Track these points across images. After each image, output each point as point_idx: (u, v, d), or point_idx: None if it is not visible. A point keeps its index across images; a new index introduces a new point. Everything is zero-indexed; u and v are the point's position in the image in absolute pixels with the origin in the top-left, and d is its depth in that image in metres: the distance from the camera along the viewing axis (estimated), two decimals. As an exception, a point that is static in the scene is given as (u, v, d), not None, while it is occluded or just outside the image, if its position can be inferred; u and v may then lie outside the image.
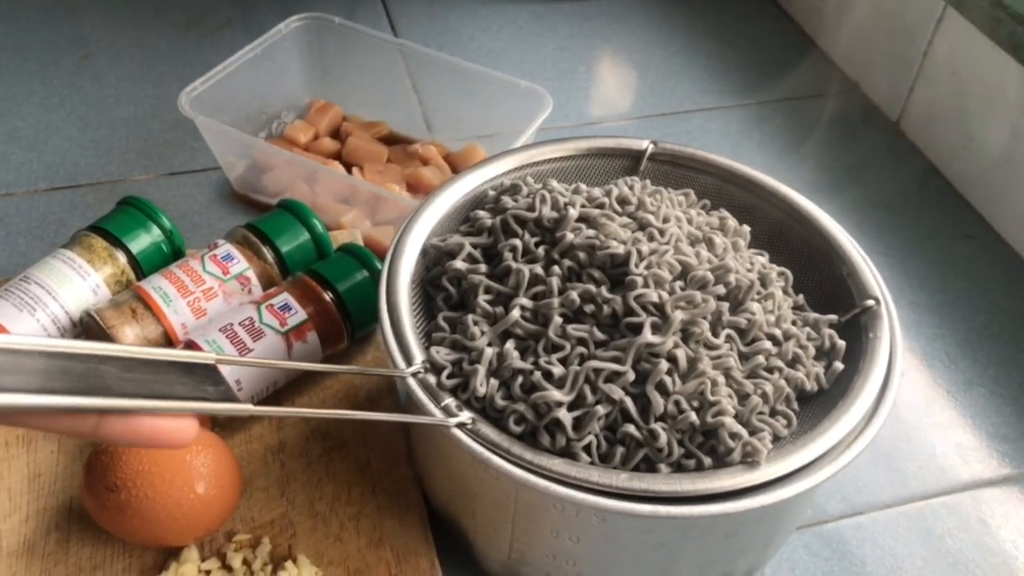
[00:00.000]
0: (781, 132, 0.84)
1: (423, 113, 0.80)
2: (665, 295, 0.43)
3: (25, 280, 0.54)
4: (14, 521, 0.49)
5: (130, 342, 0.52)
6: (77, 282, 0.55)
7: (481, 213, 0.49)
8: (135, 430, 0.29)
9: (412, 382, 0.42)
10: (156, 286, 0.54)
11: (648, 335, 0.41)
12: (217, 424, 0.53)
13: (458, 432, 0.40)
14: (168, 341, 0.54)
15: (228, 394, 0.31)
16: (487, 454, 0.40)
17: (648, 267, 0.44)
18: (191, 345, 0.51)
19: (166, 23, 0.92)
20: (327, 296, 0.55)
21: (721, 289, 0.44)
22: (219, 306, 0.55)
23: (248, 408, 0.32)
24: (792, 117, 0.86)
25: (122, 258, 0.57)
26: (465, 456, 0.41)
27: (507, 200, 0.49)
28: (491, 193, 0.51)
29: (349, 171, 0.72)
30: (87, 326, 0.54)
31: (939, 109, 0.79)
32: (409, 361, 0.43)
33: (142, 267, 0.57)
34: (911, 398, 0.62)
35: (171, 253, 0.59)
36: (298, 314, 0.54)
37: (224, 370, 0.50)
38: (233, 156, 0.71)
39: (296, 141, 0.75)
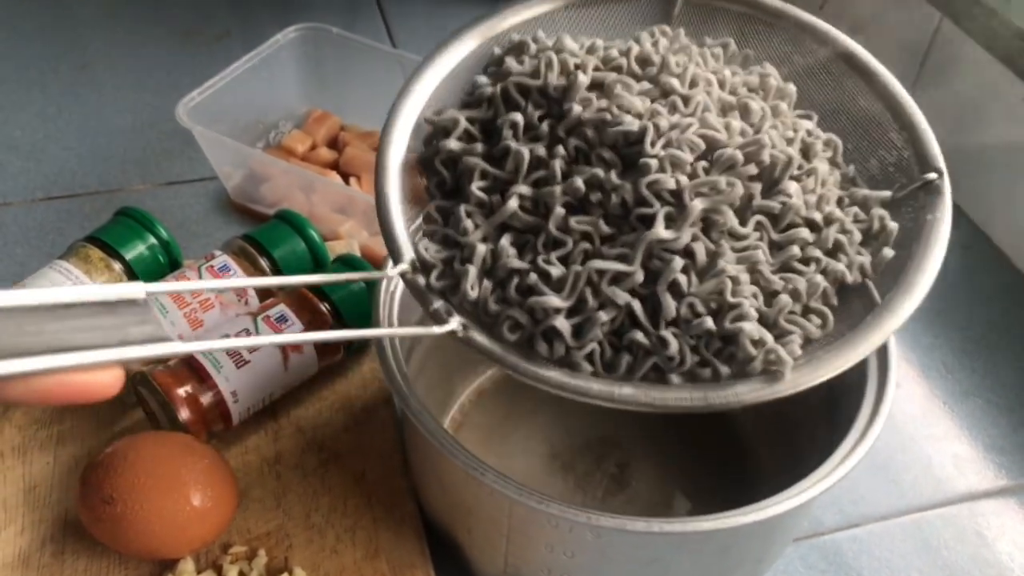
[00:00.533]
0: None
1: (421, 123, 0.80)
2: (684, 180, 0.37)
3: (21, 291, 0.54)
4: (9, 533, 0.49)
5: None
6: (74, 293, 0.55)
7: (481, 80, 0.42)
8: (38, 388, 0.26)
9: (399, 283, 0.39)
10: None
11: (660, 230, 0.36)
12: (213, 436, 0.53)
13: (451, 448, 0.40)
14: (164, 352, 0.53)
15: (155, 334, 0.28)
16: (481, 470, 0.39)
17: (666, 145, 0.37)
18: (187, 357, 0.51)
19: (165, 33, 0.93)
20: (323, 307, 0.55)
21: (752, 169, 0.38)
22: (215, 317, 0.55)
23: (176, 345, 0.28)
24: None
25: (118, 268, 0.57)
26: (459, 471, 0.40)
27: (511, 63, 0.42)
28: (496, 52, 0.44)
29: (347, 181, 0.72)
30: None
31: (936, 120, 0.79)
32: (396, 259, 0.38)
33: (139, 277, 0.58)
34: (908, 409, 0.62)
35: (168, 264, 0.59)
36: (294, 325, 0.54)
37: (220, 380, 0.51)
38: (230, 166, 0.71)
39: (293, 151, 0.75)
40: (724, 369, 0.36)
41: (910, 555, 0.53)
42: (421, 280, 0.38)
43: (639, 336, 0.36)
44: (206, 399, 0.50)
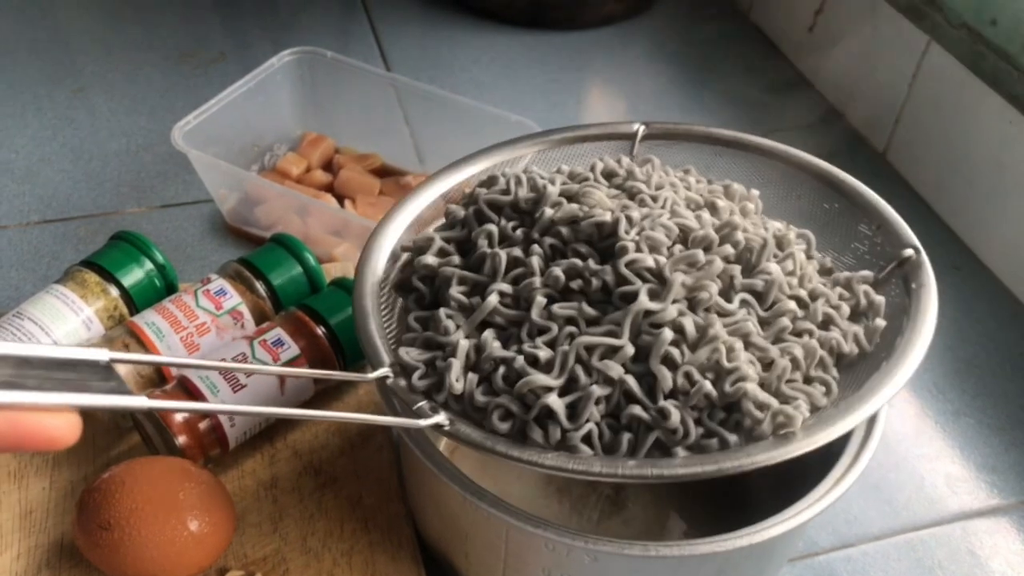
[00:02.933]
0: (769, 163, 0.84)
1: (415, 145, 0.80)
2: (662, 259, 0.37)
3: (18, 316, 0.54)
4: (5, 559, 0.49)
5: (123, 377, 0.52)
6: (70, 317, 0.55)
7: (452, 207, 0.44)
8: None
9: (377, 388, 0.39)
10: (149, 321, 0.55)
11: (645, 301, 0.36)
12: (210, 461, 0.53)
13: (448, 470, 0.40)
14: (161, 376, 0.54)
15: (117, 389, 0.27)
16: (478, 494, 0.40)
17: (640, 231, 0.38)
18: (183, 381, 0.52)
19: (160, 56, 0.93)
20: (319, 331, 0.55)
21: (728, 249, 0.39)
22: (212, 341, 0.55)
23: (142, 401, 0.27)
24: (780, 148, 0.86)
25: (114, 292, 0.57)
26: (456, 495, 0.41)
27: (481, 191, 0.44)
28: (467, 191, 0.46)
29: (341, 203, 0.72)
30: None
31: (925, 141, 0.80)
32: (376, 365, 0.38)
33: (135, 301, 0.58)
34: (900, 428, 0.62)
35: (164, 287, 0.59)
36: (291, 349, 0.54)
37: (216, 404, 0.51)
38: (225, 189, 0.72)
39: (288, 174, 0.75)
40: (732, 438, 0.35)
41: (904, 575, 0.54)
42: (403, 382, 0.38)
43: (638, 411, 0.35)
44: (203, 424, 0.51)
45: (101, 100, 0.87)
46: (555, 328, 0.37)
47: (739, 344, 0.36)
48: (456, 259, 0.42)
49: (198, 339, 0.55)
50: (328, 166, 0.78)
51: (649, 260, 0.37)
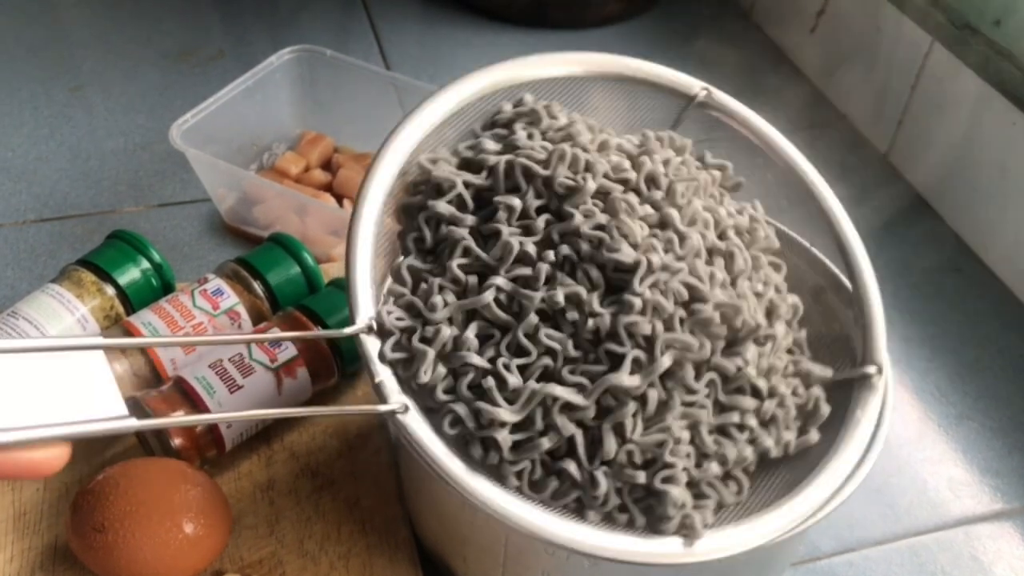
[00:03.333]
0: (771, 164, 0.84)
1: (414, 145, 0.80)
2: (660, 328, 0.37)
3: (12, 315, 0.54)
4: (-2, 561, 0.48)
5: (118, 377, 0.52)
6: (65, 316, 0.55)
7: (488, 144, 0.41)
8: None
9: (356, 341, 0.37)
10: (145, 321, 0.54)
11: (624, 376, 0.37)
12: (206, 462, 0.52)
13: (453, 473, 0.40)
14: (157, 376, 0.53)
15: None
16: (476, 496, 0.39)
17: (654, 286, 0.38)
18: (180, 382, 0.51)
19: (158, 54, 0.93)
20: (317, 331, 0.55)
21: (723, 331, 0.39)
22: (208, 341, 0.55)
23: (131, 423, 0.27)
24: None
25: (110, 291, 0.57)
26: (455, 498, 0.40)
27: (520, 133, 0.41)
28: (506, 109, 0.43)
29: (340, 203, 0.72)
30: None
31: (927, 143, 0.80)
32: (355, 316, 0.37)
33: (131, 301, 0.57)
34: (902, 432, 0.62)
35: (161, 287, 0.59)
36: (288, 350, 0.53)
37: (213, 405, 0.50)
38: (224, 188, 0.71)
39: (287, 173, 0.75)
40: (640, 519, 0.37)
41: (906, 580, 0.53)
42: (376, 345, 0.37)
43: (572, 468, 0.37)
44: (199, 426, 0.50)
45: (99, 98, 0.86)
46: (534, 355, 0.37)
47: (686, 435, 0.38)
48: (469, 219, 0.40)
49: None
50: (327, 165, 0.77)
51: (647, 328, 0.37)
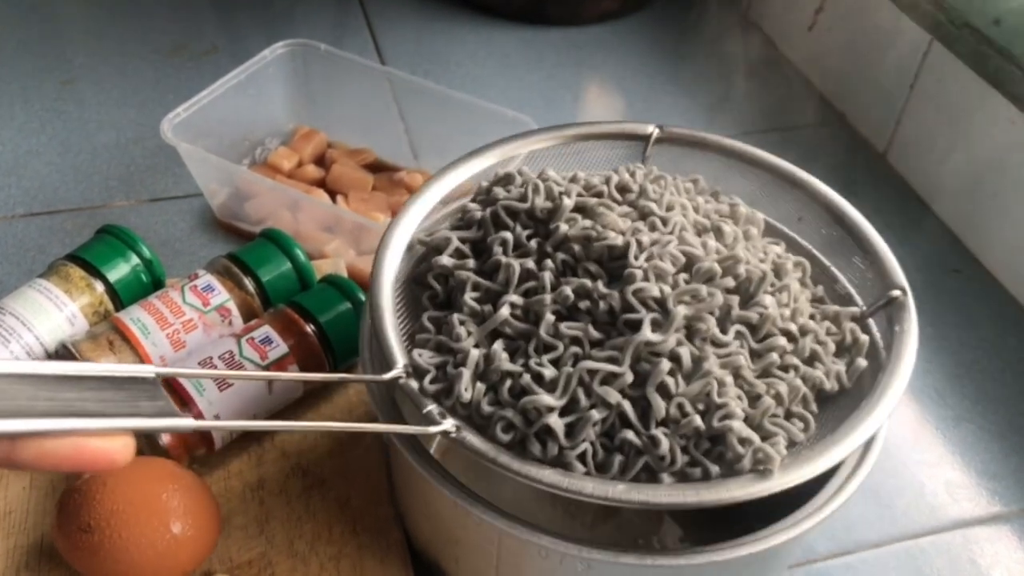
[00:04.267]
0: (768, 163, 0.83)
1: (409, 141, 0.79)
2: (667, 289, 0.39)
3: (0, 311, 0.53)
4: (-17, 560, 0.48)
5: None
6: (53, 312, 0.54)
7: (471, 205, 0.46)
8: (52, 452, 0.26)
9: (388, 389, 0.40)
10: (134, 317, 0.53)
11: (647, 332, 0.38)
12: (195, 461, 0.51)
13: (435, 473, 0.39)
14: (145, 374, 0.52)
15: (166, 409, 0.29)
16: (468, 499, 0.39)
17: (649, 259, 0.40)
18: (169, 380, 0.50)
19: (151, 49, 0.92)
20: (309, 329, 0.54)
21: (730, 282, 0.41)
22: (199, 338, 0.54)
23: (188, 422, 0.29)
24: (779, 148, 0.84)
25: (100, 288, 0.56)
26: (446, 500, 0.40)
27: (499, 191, 0.45)
28: (483, 184, 0.47)
29: (333, 199, 0.71)
30: (62, 358, 0.53)
31: (926, 142, 0.79)
32: (390, 366, 0.40)
33: (120, 297, 0.56)
34: (900, 434, 0.61)
35: (150, 283, 0.58)
36: (279, 347, 0.52)
37: (203, 403, 0.49)
38: (215, 183, 0.70)
39: (279, 168, 0.74)
40: (714, 468, 0.37)
41: (903, 584, 0.53)
42: (415, 384, 0.39)
43: (631, 436, 0.37)
44: (188, 423, 0.49)
45: (91, 92, 0.86)
46: (561, 347, 0.39)
47: (729, 378, 0.38)
48: (471, 262, 0.43)
49: (184, 336, 0.53)
50: (320, 161, 0.76)
51: (655, 290, 0.39)
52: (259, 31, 0.95)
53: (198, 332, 0.54)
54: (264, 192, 0.68)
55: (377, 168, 0.76)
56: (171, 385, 0.50)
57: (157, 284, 0.58)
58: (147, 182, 0.76)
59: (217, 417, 0.50)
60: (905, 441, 0.61)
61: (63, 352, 0.53)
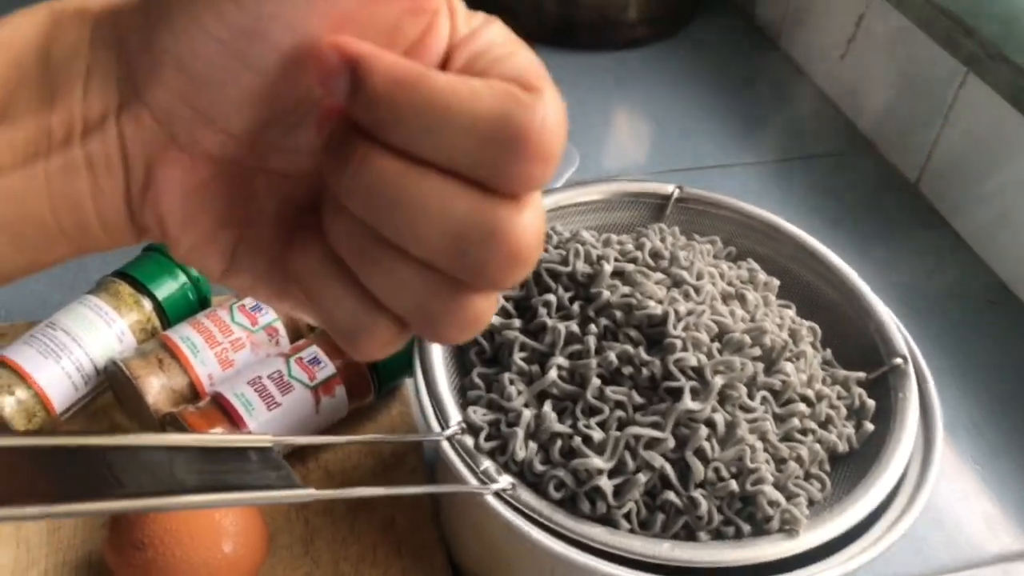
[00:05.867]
0: (799, 191, 0.84)
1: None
2: (704, 359, 0.42)
3: (51, 326, 0.54)
4: (32, 575, 0.48)
5: (156, 392, 0.52)
6: (103, 329, 0.54)
7: None
8: None
9: (446, 446, 0.41)
10: (183, 336, 0.54)
11: (688, 402, 0.41)
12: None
13: (494, 501, 0.39)
14: (194, 392, 0.53)
15: (290, 479, 0.30)
16: (524, 526, 0.39)
17: (686, 328, 0.43)
18: (217, 398, 0.51)
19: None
20: (355, 350, 0.54)
21: (757, 351, 0.44)
22: (247, 357, 0.54)
23: (311, 493, 0.30)
24: (810, 176, 0.86)
25: (148, 305, 0.56)
26: (499, 526, 0.40)
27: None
28: None
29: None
30: (112, 375, 0.54)
31: (959, 173, 0.80)
32: (445, 423, 0.42)
33: (167, 314, 0.57)
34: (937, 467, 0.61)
35: (197, 301, 0.58)
36: (327, 367, 0.53)
37: (251, 423, 0.50)
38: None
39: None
40: (746, 527, 0.40)
41: (943, 617, 0.53)
42: (470, 441, 0.41)
43: (672, 497, 0.40)
44: (237, 442, 0.50)
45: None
46: (607, 410, 0.42)
47: (759, 444, 0.41)
48: (517, 322, 0.46)
49: (233, 355, 0.54)
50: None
51: (693, 360, 0.42)
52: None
53: (246, 351, 0.55)
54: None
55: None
56: (220, 404, 0.50)
57: (203, 303, 0.59)
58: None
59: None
60: (943, 474, 0.61)
61: (112, 368, 0.53)
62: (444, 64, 0.20)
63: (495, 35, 0.21)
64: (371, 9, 0.19)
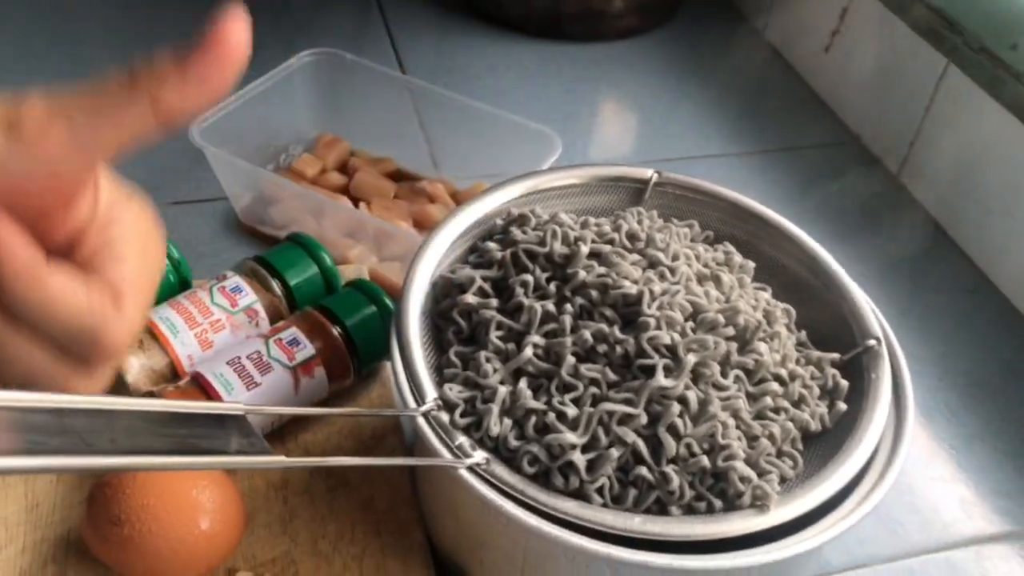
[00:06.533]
0: (783, 181, 0.84)
1: (430, 151, 0.80)
2: (677, 337, 0.43)
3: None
4: (9, 552, 0.48)
5: (136, 372, 0.52)
6: (83, 310, 0.54)
7: (491, 245, 0.49)
8: None
9: (422, 421, 0.42)
10: (163, 316, 0.54)
11: (661, 379, 0.42)
12: (220, 458, 0.52)
13: (468, 476, 0.40)
14: (174, 372, 0.53)
15: (262, 446, 0.30)
16: (497, 501, 0.39)
17: (660, 308, 0.44)
18: (197, 377, 0.51)
19: (175, 52, 0.92)
20: (335, 331, 0.55)
21: (730, 330, 0.45)
22: (226, 338, 0.55)
23: (282, 460, 0.31)
24: (794, 167, 0.87)
25: (128, 287, 0.56)
26: (474, 502, 0.40)
27: (516, 232, 0.49)
28: (499, 223, 0.51)
29: (356, 206, 0.72)
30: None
31: (940, 164, 0.80)
32: (421, 399, 0.42)
33: (148, 296, 0.57)
34: (913, 451, 0.62)
35: (178, 283, 0.59)
36: (306, 349, 0.53)
37: (227, 399, 0.50)
38: (240, 187, 0.71)
39: (304, 174, 0.75)
40: (717, 503, 0.41)
41: (917, 598, 0.53)
42: (446, 417, 0.42)
43: (644, 472, 0.41)
44: (216, 421, 0.50)
45: (115, 95, 0.86)
46: (581, 387, 0.42)
47: (731, 420, 0.42)
48: (494, 301, 0.46)
49: (212, 336, 0.54)
50: (343, 168, 0.77)
51: (667, 338, 0.43)
52: (282, 40, 0.96)
53: (226, 332, 0.55)
54: (288, 197, 0.69)
55: (399, 177, 0.77)
56: (200, 383, 0.51)
57: (184, 285, 0.59)
58: (171, 184, 0.77)
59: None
60: (918, 458, 0.61)
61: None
62: (79, 237, 0.27)
63: (124, 230, 0.28)
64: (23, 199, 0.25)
